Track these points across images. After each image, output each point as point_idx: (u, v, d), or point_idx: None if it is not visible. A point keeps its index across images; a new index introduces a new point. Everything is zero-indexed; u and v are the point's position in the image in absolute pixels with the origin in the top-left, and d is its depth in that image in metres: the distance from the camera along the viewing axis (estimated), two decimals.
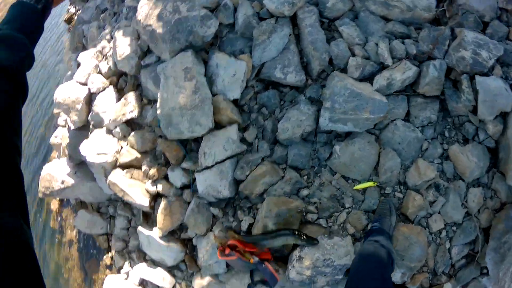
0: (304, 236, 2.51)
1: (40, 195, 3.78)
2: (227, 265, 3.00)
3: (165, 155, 3.13)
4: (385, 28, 2.72)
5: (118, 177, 3.31)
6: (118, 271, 4.08)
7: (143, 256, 3.65)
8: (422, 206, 2.59)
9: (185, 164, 3.02)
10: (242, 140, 2.85)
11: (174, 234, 3.28)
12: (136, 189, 3.27)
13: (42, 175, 3.76)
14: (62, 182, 3.72)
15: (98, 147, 3.36)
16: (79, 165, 3.75)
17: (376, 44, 2.61)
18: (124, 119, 3.28)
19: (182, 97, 2.59)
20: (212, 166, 2.78)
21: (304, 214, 2.73)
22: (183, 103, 2.57)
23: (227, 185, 2.75)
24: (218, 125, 2.86)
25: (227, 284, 3.05)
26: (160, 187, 3.16)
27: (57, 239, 5.07)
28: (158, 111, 2.73)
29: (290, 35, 2.76)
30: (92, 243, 4.61)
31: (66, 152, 3.78)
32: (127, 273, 3.87)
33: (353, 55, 2.64)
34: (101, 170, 3.53)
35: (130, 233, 3.75)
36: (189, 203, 3.09)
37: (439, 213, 2.63)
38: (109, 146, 3.36)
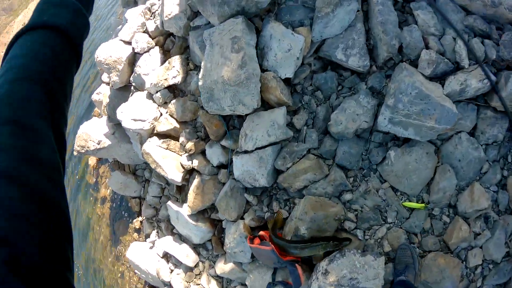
0: (335, 242, 2.27)
1: (75, 153, 3.66)
2: (252, 256, 2.76)
3: (205, 128, 2.87)
4: (464, 21, 2.27)
5: (153, 147, 3.10)
6: (146, 238, 3.97)
7: (171, 229, 3.48)
8: (467, 238, 2.30)
9: (225, 142, 2.75)
10: (290, 124, 2.53)
11: (204, 213, 3.06)
12: (170, 162, 3.06)
13: (79, 134, 3.63)
14: (98, 143, 3.57)
15: (136, 112, 3.13)
16: (118, 125, 3.56)
17: (454, 39, 2.25)
18: (166, 84, 3.02)
19: (227, 70, 2.27)
20: (252, 151, 2.49)
21: (342, 221, 2.44)
22: (226, 78, 2.26)
23: (265, 174, 2.46)
24: (265, 104, 2.55)
25: (249, 275, 2.82)
26: (195, 163, 2.92)
27: (91, 194, 5.05)
28: (200, 82, 2.43)
29: (358, 11, 2.33)
30: (124, 204, 4.53)
31: (106, 111, 3.60)
32: (153, 243, 3.73)
33: (427, 47, 2.27)
34: (137, 136, 3.34)
35: (162, 202, 3.58)
36: (223, 184, 2.84)
37: (480, 247, 2.37)
38: (148, 112, 3.13)
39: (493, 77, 2.18)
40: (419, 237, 2.42)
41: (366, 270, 2.19)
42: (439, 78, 2.26)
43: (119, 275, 4.68)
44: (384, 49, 2.27)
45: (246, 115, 2.51)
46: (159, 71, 3.05)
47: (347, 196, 2.45)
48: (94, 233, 5.06)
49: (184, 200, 3.09)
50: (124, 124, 3.13)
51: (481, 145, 2.30)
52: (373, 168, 2.45)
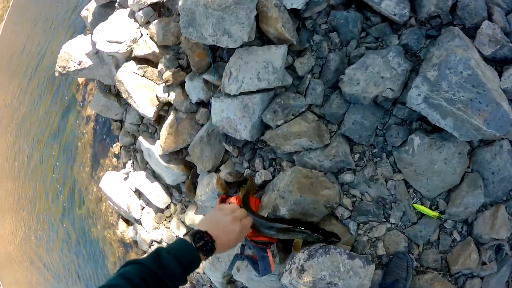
0: (319, 236, 1.82)
1: (56, 74, 3.23)
2: None
3: (188, 57, 2.36)
4: None
5: (127, 74, 2.62)
6: (124, 166, 3.60)
7: (145, 162, 3.09)
8: (472, 267, 1.84)
9: (208, 76, 2.24)
10: (290, 68, 2.00)
11: (178, 154, 2.64)
12: (144, 93, 2.58)
13: (61, 54, 3.16)
14: (79, 63, 3.13)
15: (113, 33, 2.67)
16: None
17: None
18: (150, 0, 2.48)
19: None
20: (235, 95, 1.98)
21: (334, 209, 1.96)
22: None
23: (248, 126, 1.97)
24: (263, 37, 2.01)
25: None
26: (172, 96, 2.44)
27: (78, 112, 4.67)
28: (180, 2, 1.88)
29: None
30: (107, 125, 4.12)
31: (90, 29, 3.11)
32: (128, 174, 3.36)
33: (490, 18, 1.73)
34: (112, 60, 2.85)
35: (140, 130, 3.15)
36: (201, 126, 2.37)
37: (481, 278, 1.94)
38: (126, 33, 2.66)
39: None
40: (420, 249, 1.96)
41: (350, 277, 1.76)
42: (496, 63, 1.72)
43: (97, 200, 4.41)
44: (433, 1, 1.69)
45: (234, 49, 1.98)
46: None
47: (348, 177, 1.94)
48: (77, 151, 4.74)
49: (159, 137, 2.65)
50: (98, 46, 2.70)
51: None
52: (387, 149, 1.91)
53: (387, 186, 1.91)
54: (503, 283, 1.95)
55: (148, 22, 2.59)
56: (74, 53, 3.11)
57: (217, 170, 2.32)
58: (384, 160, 1.92)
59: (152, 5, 2.55)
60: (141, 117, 3.11)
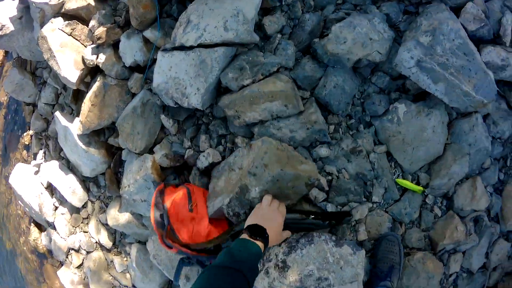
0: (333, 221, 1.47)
1: None
2: None
3: (128, 12, 1.77)
4: None
5: (53, 30, 1.97)
6: (35, 158, 2.82)
7: (59, 151, 2.37)
8: (461, 241, 1.64)
9: (150, 33, 1.65)
10: (257, 26, 1.50)
11: (100, 135, 1.96)
12: (69, 54, 1.91)
13: None
14: (1, 27, 2.38)
15: None
16: (28, 8, 2.39)
17: (502, 7, 1.64)
18: None
19: None
20: (192, 47, 1.41)
21: (315, 186, 1.48)
22: None
23: (202, 89, 1.39)
24: None
25: (151, 237, 1.82)
26: (102, 58, 1.80)
27: None
28: None
29: None
30: (20, 113, 3.30)
31: None
32: (39, 167, 2.60)
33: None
34: (39, 15, 2.19)
35: (54, 112, 2.43)
36: (134, 95, 1.77)
37: (463, 253, 1.77)
38: None
39: None
40: (403, 228, 1.63)
41: (341, 268, 1.34)
42: (474, 41, 1.58)
43: (6, 201, 3.51)
44: None
45: None
46: None
47: (323, 151, 1.49)
48: None
49: (78, 113, 1.98)
50: None
51: (490, 136, 1.71)
52: (366, 119, 1.57)
53: (370, 159, 1.55)
54: (483, 255, 1.81)
55: None
56: None
57: (150, 151, 1.71)
58: (363, 132, 1.56)
59: None
60: (57, 95, 2.40)
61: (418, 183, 1.62)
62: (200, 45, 1.39)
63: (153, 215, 1.50)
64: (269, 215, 1.27)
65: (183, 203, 1.47)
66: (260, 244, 1.15)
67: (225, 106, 1.43)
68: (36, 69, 2.82)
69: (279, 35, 1.50)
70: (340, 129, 1.54)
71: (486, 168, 1.74)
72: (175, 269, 1.54)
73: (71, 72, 1.88)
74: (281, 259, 1.36)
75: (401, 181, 1.58)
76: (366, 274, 1.56)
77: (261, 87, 1.38)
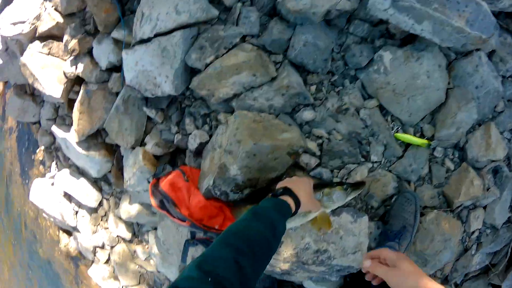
0: (349, 188, 1.24)
1: None
2: None
3: (94, 19, 1.74)
4: None
5: (31, 56, 1.97)
6: (50, 170, 2.85)
7: (68, 159, 2.39)
8: (478, 197, 1.41)
9: (117, 33, 1.61)
10: (214, 1, 1.41)
11: (97, 137, 1.95)
12: (51, 72, 1.91)
13: None
14: None
15: (16, 14, 2.05)
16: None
17: None
18: None
19: None
20: (150, 39, 1.37)
21: (300, 154, 1.35)
22: None
23: (170, 76, 1.35)
24: None
25: (159, 223, 1.82)
26: (80, 68, 1.78)
27: (1, 128, 3.78)
28: None
29: None
30: (29, 132, 3.31)
31: None
32: (53, 177, 2.63)
33: None
34: (16, 46, 2.18)
35: (57, 125, 2.43)
36: (117, 94, 1.74)
37: (484, 207, 1.53)
38: (30, 11, 2.03)
39: None
40: (411, 187, 1.44)
41: (341, 238, 1.23)
42: None
43: (34, 217, 3.58)
44: None
45: None
46: None
47: (307, 115, 1.35)
48: (5, 171, 3.86)
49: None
50: (2, 33, 2.09)
51: (499, 76, 1.42)
52: (349, 74, 1.37)
53: (361, 117, 1.35)
54: (506, 209, 1.54)
55: None
56: None
57: (142, 144, 1.69)
58: (349, 87, 1.35)
59: None
60: (56, 110, 2.39)
61: (422, 136, 1.39)
62: (157, 34, 1.34)
63: (153, 202, 1.48)
64: (296, 179, 1.16)
65: (178, 176, 1.41)
66: (288, 199, 1.03)
67: (195, 87, 1.38)
68: (34, 89, 2.82)
69: (239, 4, 1.37)
70: (323, 88, 1.36)
71: (500, 112, 1.47)
72: (182, 252, 1.51)
73: (54, 89, 1.88)
74: None
75: (401, 135, 1.36)
76: (375, 241, 1.40)
77: (224, 62, 1.31)
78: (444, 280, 1.65)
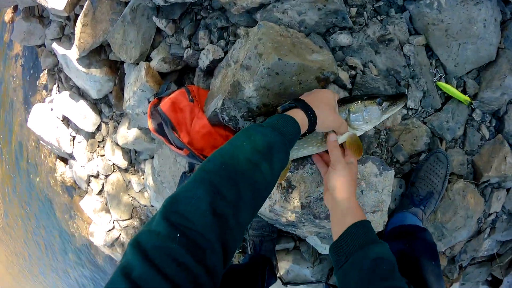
0: (385, 102, 1.00)
1: None
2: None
3: None
4: None
5: None
6: (50, 94, 2.75)
7: (69, 80, 2.28)
8: (507, 175, 1.27)
9: None
10: None
11: (100, 53, 1.81)
12: None
13: None
14: None
15: None
16: None
17: None
18: None
19: None
20: None
21: (330, 82, 1.15)
22: None
23: None
24: None
25: (157, 151, 1.72)
26: None
27: (7, 54, 3.64)
28: None
29: None
30: (35, 56, 3.19)
31: None
32: (52, 101, 2.53)
33: None
34: None
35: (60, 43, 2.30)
36: (126, 4, 1.58)
37: (507, 190, 1.40)
38: None
39: None
40: (443, 146, 1.29)
41: (362, 191, 1.05)
42: None
43: (35, 145, 3.51)
44: None
45: None
46: None
47: (343, 39, 1.14)
48: (9, 98, 3.76)
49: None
50: None
51: None
52: (397, 3, 1.16)
53: (404, 52, 1.17)
54: None
55: None
56: None
57: (147, 59, 1.55)
58: (394, 17, 1.14)
59: None
60: (62, 28, 2.26)
61: (464, 92, 1.22)
62: None
63: (150, 125, 1.35)
64: (315, 91, 0.96)
65: (181, 94, 1.24)
66: (298, 114, 0.82)
67: None
68: (43, 10, 2.68)
69: None
70: (365, 12, 1.16)
71: None
72: (177, 184, 1.40)
73: (57, 1, 1.72)
74: (286, 179, 1.07)
75: (444, 85, 1.19)
76: (394, 201, 1.26)
77: None
78: (451, 260, 1.55)
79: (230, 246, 0.57)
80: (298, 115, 0.82)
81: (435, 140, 1.26)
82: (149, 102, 1.48)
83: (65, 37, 2.25)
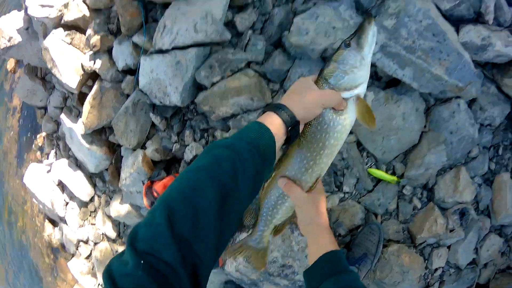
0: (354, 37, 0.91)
1: None
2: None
3: (119, 20, 1.97)
4: None
5: (54, 41, 2.20)
6: (47, 157, 3.08)
7: (68, 149, 2.61)
8: (440, 235, 1.60)
9: (138, 38, 1.85)
10: (230, 24, 1.64)
11: (101, 133, 2.19)
12: (69, 61, 2.15)
13: None
14: (9, 39, 2.65)
15: None
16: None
17: None
18: None
19: None
20: (168, 50, 1.61)
21: None
22: None
23: (180, 88, 1.59)
24: None
25: None
26: (98, 64, 2.02)
27: (5, 103, 4.04)
28: None
29: None
30: (33, 117, 3.57)
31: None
32: (51, 166, 2.85)
33: None
34: (41, 28, 2.43)
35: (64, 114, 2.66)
36: (128, 96, 1.97)
37: (448, 247, 1.72)
38: None
39: None
40: (378, 220, 1.66)
41: (306, 256, 1.41)
42: (453, 22, 1.51)
43: (21, 201, 3.79)
44: None
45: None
46: None
47: None
48: (2, 147, 4.09)
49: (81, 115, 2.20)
50: (30, 12, 2.30)
51: (477, 124, 1.61)
52: None
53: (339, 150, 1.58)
54: (471, 251, 1.69)
55: None
56: (5, 29, 2.64)
57: (143, 147, 1.91)
58: None
59: None
60: (65, 99, 2.64)
61: (394, 173, 1.58)
62: (175, 48, 1.58)
63: (146, 202, 1.69)
64: (304, 86, 0.90)
65: (172, 180, 1.60)
66: (272, 117, 0.81)
67: (200, 102, 1.63)
68: (46, 74, 3.08)
69: (250, 31, 1.61)
70: None
71: (474, 158, 1.64)
72: None
73: (71, 79, 2.11)
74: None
75: (373, 171, 1.57)
76: None
77: (228, 83, 1.56)
78: None
79: (198, 268, 0.59)
80: (272, 119, 0.81)
81: (370, 215, 1.63)
82: (143, 183, 1.80)
83: (67, 108, 2.62)
